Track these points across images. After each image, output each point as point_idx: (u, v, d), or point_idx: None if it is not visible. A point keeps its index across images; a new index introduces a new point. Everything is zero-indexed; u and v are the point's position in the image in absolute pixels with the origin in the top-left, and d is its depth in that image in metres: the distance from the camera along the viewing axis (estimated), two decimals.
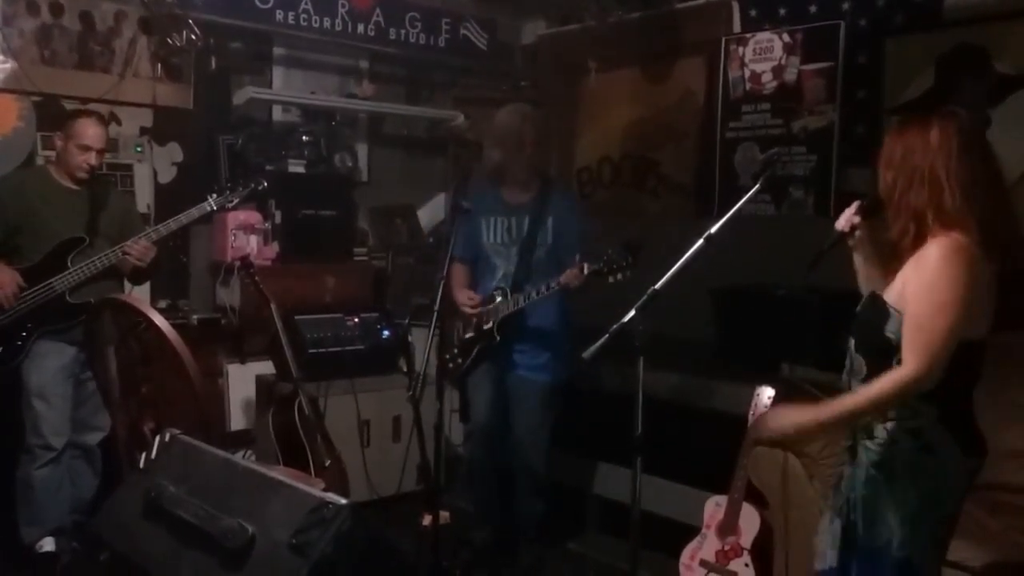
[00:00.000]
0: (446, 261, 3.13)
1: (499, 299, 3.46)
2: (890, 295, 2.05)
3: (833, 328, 2.18)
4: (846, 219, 2.15)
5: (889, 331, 2.02)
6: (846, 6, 4.05)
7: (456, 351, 3.52)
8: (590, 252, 3.19)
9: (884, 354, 2.02)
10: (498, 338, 3.43)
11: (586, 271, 3.03)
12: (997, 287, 1.99)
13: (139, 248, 3.43)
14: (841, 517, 2.15)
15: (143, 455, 2.19)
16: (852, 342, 2.15)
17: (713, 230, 2.40)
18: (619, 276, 2.91)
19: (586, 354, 2.42)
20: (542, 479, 3.61)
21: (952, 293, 1.91)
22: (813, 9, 4.19)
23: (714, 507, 3.28)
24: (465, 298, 3.52)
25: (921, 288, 1.95)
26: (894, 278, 2.08)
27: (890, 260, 2.14)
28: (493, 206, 3.55)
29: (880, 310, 2.05)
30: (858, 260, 2.22)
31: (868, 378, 2.07)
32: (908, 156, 2.02)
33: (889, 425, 2.03)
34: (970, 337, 1.98)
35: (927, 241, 1.98)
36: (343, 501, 1.75)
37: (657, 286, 2.40)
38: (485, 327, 3.46)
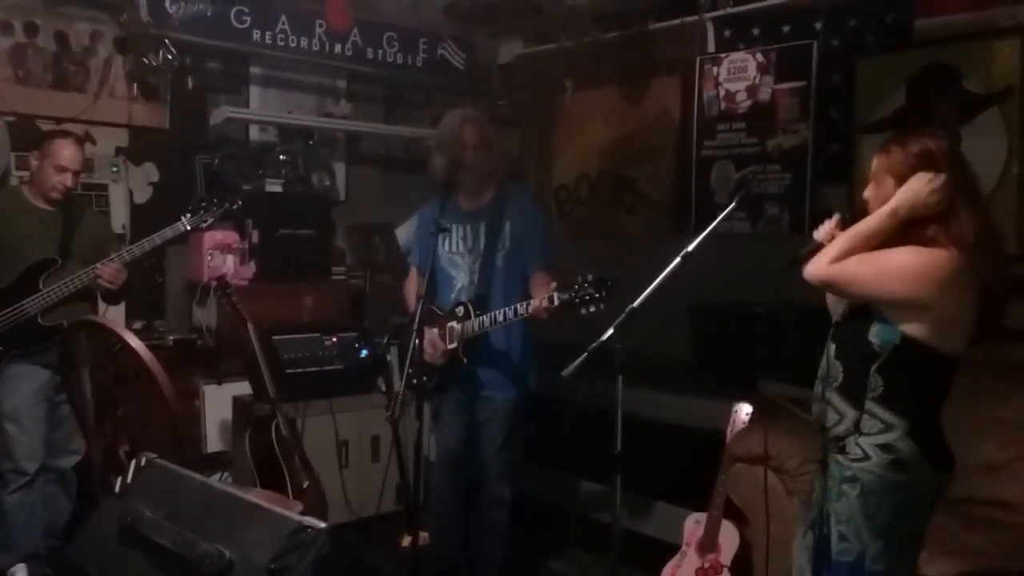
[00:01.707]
0: (424, 280, 3.09)
1: (460, 314, 3.27)
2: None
3: (809, 344, 2.20)
4: (826, 231, 2.19)
5: (872, 336, 2.05)
6: (818, 26, 4.12)
7: (419, 368, 3.27)
8: (555, 269, 3.09)
9: (864, 360, 2.06)
10: (465, 360, 3.25)
11: (556, 301, 2.89)
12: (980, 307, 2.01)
13: (110, 270, 3.39)
14: (815, 531, 2.18)
15: (119, 479, 2.16)
16: (832, 348, 2.18)
17: (690, 248, 2.41)
18: (591, 308, 2.78)
19: (565, 372, 2.42)
20: (509, 499, 3.45)
21: (900, 268, 1.99)
22: (786, 29, 4.26)
23: (694, 524, 3.28)
24: (430, 346, 3.29)
25: (887, 252, 2.03)
26: None
27: None
28: (449, 213, 3.30)
29: (865, 315, 2.08)
30: None
31: (843, 385, 2.11)
32: (897, 175, 2.06)
33: (861, 440, 2.06)
34: (942, 349, 2.01)
35: None
36: (322, 525, 1.73)
37: (635, 304, 2.41)
38: (449, 347, 3.27)
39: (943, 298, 1.97)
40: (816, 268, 2.11)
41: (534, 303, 3.02)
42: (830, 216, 2.22)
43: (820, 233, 2.20)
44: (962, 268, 1.97)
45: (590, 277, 2.85)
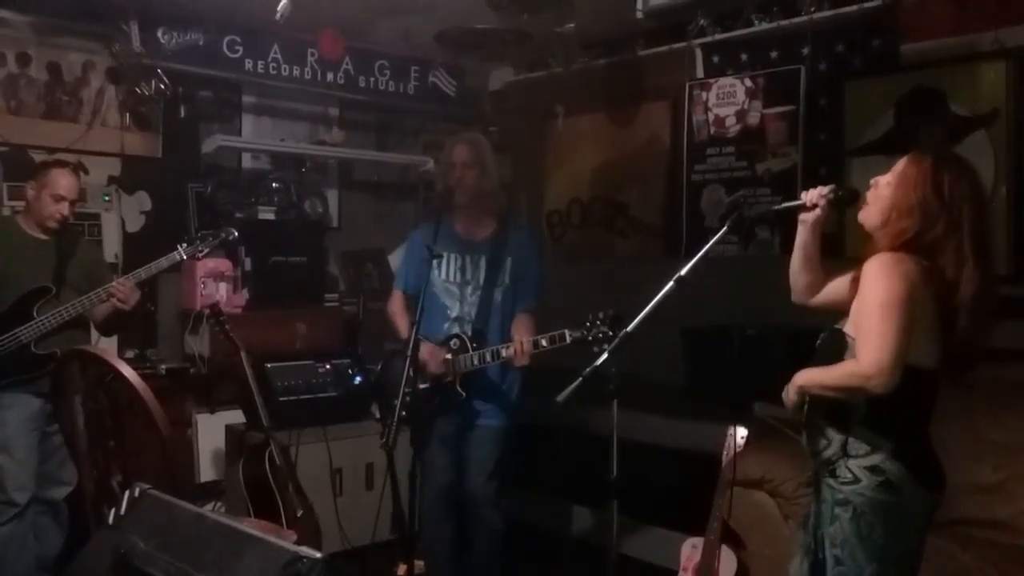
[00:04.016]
0: (418, 307, 3.05)
1: (456, 347, 3.27)
2: (849, 326, 2.09)
3: (803, 366, 2.21)
4: (816, 194, 2.20)
5: (848, 359, 2.06)
6: (806, 51, 4.16)
7: (409, 399, 3.02)
8: (543, 310, 3.10)
9: None
10: (463, 394, 3.24)
11: (568, 339, 2.91)
12: (947, 320, 2.03)
13: (124, 289, 3.40)
14: (809, 556, 2.17)
15: (111, 510, 2.15)
16: None
17: (683, 272, 2.42)
18: (604, 346, 2.82)
19: (560, 398, 2.41)
20: (500, 525, 3.44)
21: (892, 295, 1.96)
22: (774, 54, 4.30)
23: (691, 549, 3.26)
24: (432, 360, 3.26)
25: (865, 300, 2.02)
26: (834, 278, 2.21)
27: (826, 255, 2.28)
28: (445, 241, 3.23)
29: (839, 340, 2.10)
30: (800, 237, 2.29)
31: (828, 410, 2.12)
32: (911, 187, 2.08)
33: (850, 463, 2.07)
34: (918, 363, 2.01)
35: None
36: (317, 555, 1.72)
37: (629, 328, 2.41)
38: (446, 380, 3.26)
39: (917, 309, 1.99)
40: (878, 380, 1.96)
41: (515, 346, 3.04)
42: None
43: (808, 194, 2.22)
44: (903, 263, 1.99)
45: (601, 314, 2.84)
